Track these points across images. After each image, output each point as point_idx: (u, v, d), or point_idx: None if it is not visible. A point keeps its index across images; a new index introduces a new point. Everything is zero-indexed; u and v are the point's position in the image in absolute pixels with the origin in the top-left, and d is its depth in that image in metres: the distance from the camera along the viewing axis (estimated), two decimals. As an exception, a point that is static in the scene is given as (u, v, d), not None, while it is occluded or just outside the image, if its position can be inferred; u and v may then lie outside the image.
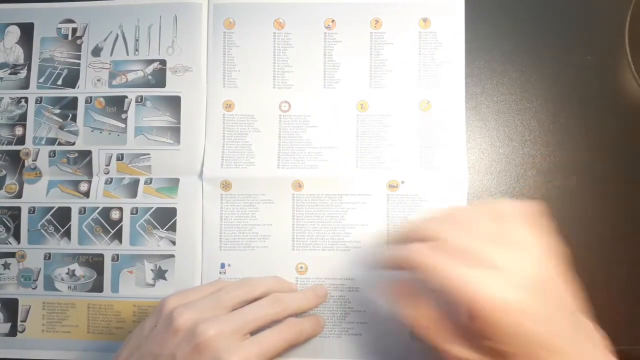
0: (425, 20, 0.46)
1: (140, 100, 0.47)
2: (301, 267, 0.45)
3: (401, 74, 0.46)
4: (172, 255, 0.45)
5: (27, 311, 0.46)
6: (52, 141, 0.47)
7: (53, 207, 0.46)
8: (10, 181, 0.47)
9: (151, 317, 0.38)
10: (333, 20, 0.46)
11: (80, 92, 0.47)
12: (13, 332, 0.46)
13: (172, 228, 0.45)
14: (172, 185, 0.46)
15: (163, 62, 0.47)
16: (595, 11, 0.47)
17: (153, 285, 0.45)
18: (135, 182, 0.46)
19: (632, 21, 0.44)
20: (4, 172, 0.47)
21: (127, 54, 0.47)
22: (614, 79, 0.46)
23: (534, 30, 0.47)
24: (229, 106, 0.46)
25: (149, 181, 0.46)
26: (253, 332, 0.37)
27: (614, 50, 0.45)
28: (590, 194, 0.44)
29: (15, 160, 0.47)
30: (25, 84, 0.48)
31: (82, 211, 0.46)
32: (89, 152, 0.47)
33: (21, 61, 0.48)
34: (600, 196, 0.44)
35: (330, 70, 0.46)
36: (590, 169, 0.45)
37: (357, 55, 0.46)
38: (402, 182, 0.45)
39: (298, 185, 0.45)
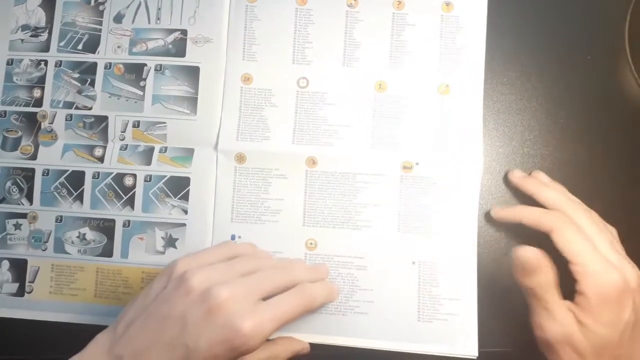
0: (448, 4, 0.46)
1: (160, 68, 0.47)
2: (311, 243, 0.45)
3: (421, 57, 0.46)
4: (184, 224, 0.45)
5: (36, 272, 0.46)
6: (69, 105, 0.47)
7: (67, 171, 0.47)
8: (26, 142, 0.47)
9: (160, 278, 0.37)
10: None
11: (100, 57, 0.47)
12: (21, 292, 0.46)
13: (185, 197, 0.45)
14: (187, 155, 0.46)
15: (184, 32, 0.47)
16: (595, 11, 0.47)
17: (163, 252, 0.45)
18: (150, 150, 0.46)
19: (632, 21, 0.44)
20: (20, 133, 0.47)
21: (149, 22, 0.47)
22: (614, 79, 0.46)
23: (534, 30, 0.47)
24: (247, 79, 0.47)
25: (163, 150, 0.46)
26: (266, 298, 0.37)
27: (614, 50, 0.46)
28: (590, 193, 0.44)
29: (32, 122, 0.47)
30: (45, 47, 0.48)
31: (96, 176, 0.46)
32: (105, 118, 0.47)
33: (43, 24, 0.48)
34: (600, 196, 0.44)
35: (350, 48, 0.46)
36: (590, 169, 0.45)
37: (377, 35, 0.46)
38: (417, 164, 0.45)
39: (312, 161, 0.45)
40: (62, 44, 0.48)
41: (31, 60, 0.48)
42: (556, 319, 0.36)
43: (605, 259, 0.36)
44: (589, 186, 0.45)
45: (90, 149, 0.47)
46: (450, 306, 0.44)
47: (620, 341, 0.35)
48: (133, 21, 0.47)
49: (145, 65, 0.47)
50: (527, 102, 0.46)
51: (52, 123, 0.47)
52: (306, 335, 0.43)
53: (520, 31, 0.47)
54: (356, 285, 0.44)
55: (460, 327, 0.43)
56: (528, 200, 0.43)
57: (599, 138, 0.46)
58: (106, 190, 0.46)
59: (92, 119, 0.47)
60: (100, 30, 0.48)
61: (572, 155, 0.46)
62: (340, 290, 0.44)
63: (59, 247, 0.46)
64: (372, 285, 0.44)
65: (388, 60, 0.46)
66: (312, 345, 0.43)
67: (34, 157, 0.47)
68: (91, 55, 0.47)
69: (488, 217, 0.45)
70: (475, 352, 0.43)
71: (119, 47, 0.47)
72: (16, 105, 0.47)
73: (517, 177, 0.44)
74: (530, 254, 0.36)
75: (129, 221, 0.46)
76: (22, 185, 0.47)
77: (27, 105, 0.47)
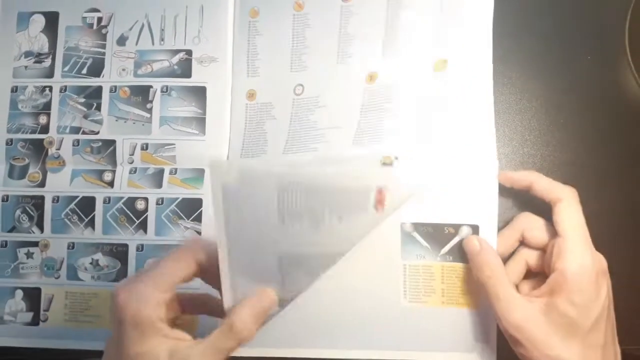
0: None
1: (166, 90, 0.46)
2: None
3: (417, 39, 0.44)
4: (197, 246, 0.45)
5: (50, 300, 0.46)
6: (76, 130, 0.47)
7: (77, 197, 0.46)
8: (34, 170, 0.47)
9: None
10: None
11: (105, 81, 0.47)
12: (35, 321, 0.46)
13: (198, 219, 0.45)
14: (198, 175, 0.46)
15: (189, 52, 0.47)
16: (595, 11, 0.47)
17: (178, 275, 0.45)
18: (160, 172, 0.46)
19: (632, 21, 0.44)
20: (27, 160, 0.47)
21: (153, 44, 0.47)
22: (614, 79, 0.46)
23: (534, 30, 0.47)
24: (251, 95, 0.46)
25: (174, 171, 0.46)
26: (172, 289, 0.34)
27: (614, 50, 0.45)
28: (590, 193, 0.44)
29: (39, 149, 0.47)
30: (49, 73, 0.47)
31: (107, 201, 0.46)
32: (113, 142, 0.47)
33: (46, 50, 0.48)
34: (600, 196, 0.44)
35: (345, 44, 0.45)
36: (590, 169, 0.45)
37: (371, 24, 0.45)
38: (396, 159, 0.43)
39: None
40: (66, 69, 0.47)
41: (36, 87, 0.47)
42: (513, 308, 0.35)
43: (590, 245, 0.36)
44: (589, 186, 0.45)
45: (99, 173, 0.46)
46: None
47: (592, 326, 0.34)
48: (137, 43, 0.47)
49: (151, 87, 0.47)
50: (527, 102, 0.46)
51: (59, 149, 0.47)
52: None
53: (520, 31, 0.46)
54: None
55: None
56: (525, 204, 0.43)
57: (599, 138, 0.46)
58: (118, 215, 0.46)
59: (100, 144, 0.47)
60: (104, 53, 0.47)
61: (572, 155, 0.46)
62: None
63: (72, 274, 0.46)
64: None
65: (381, 50, 0.45)
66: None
67: (42, 184, 0.47)
68: (96, 79, 0.47)
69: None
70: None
71: (123, 69, 0.47)
72: (22, 133, 0.47)
73: (507, 176, 0.41)
74: (473, 241, 0.37)
75: (142, 245, 0.45)
76: (32, 213, 0.46)
77: (33, 132, 0.47)
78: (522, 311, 0.35)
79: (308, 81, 0.46)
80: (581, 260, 0.35)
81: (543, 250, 0.39)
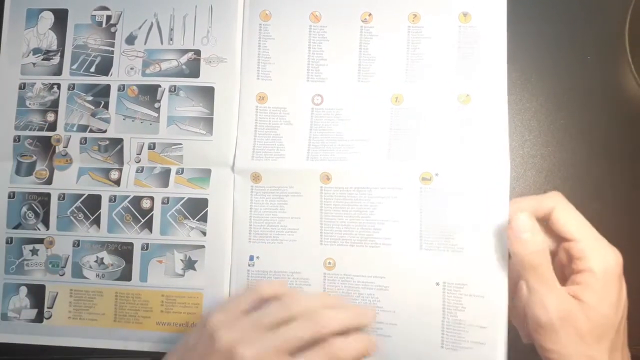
0: (465, 14, 0.45)
1: (174, 89, 0.47)
2: (329, 263, 0.45)
3: (438, 68, 0.45)
4: (203, 246, 0.45)
5: (54, 298, 0.46)
6: (83, 128, 0.47)
7: (83, 195, 0.46)
8: (41, 167, 0.47)
9: (194, 332, 0.38)
10: (370, 14, 0.46)
11: (113, 79, 0.47)
12: (39, 318, 0.46)
13: (203, 219, 0.45)
14: (204, 176, 0.46)
15: (197, 52, 0.47)
16: (595, 11, 0.47)
17: (182, 275, 0.45)
18: (167, 172, 0.46)
19: (632, 21, 0.44)
20: (34, 157, 0.47)
21: (162, 43, 0.47)
22: (614, 79, 0.46)
23: (534, 30, 0.46)
24: (262, 98, 0.46)
25: (180, 171, 0.46)
26: (294, 353, 0.35)
27: (614, 50, 0.45)
28: (590, 193, 0.44)
29: (46, 147, 0.47)
30: (58, 70, 0.47)
31: (113, 199, 0.46)
32: (120, 140, 0.47)
33: (54, 47, 0.48)
34: (600, 196, 0.44)
35: (366, 63, 0.46)
36: (590, 169, 0.45)
37: (393, 49, 0.46)
38: (437, 175, 0.43)
39: (326, 177, 0.45)
40: (74, 66, 0.47)
41: (44, 84, 0.47)
42: (560, 296, 0.34)
43: (602, 238, 0.36)
44: (589, 186, 0.45)
45: (106, 172, 0.47)
46: (477, 334, 0.41)
47: (619, 324, 0.34)
48: (145, 42, 0.47)
49: (159, 86, 0.47)
50: (527, 102, 0.46)
51: (66, 147, 0.47)
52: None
53: (520, 32, 0.46)
54: (378, 307, 0.43)
55: (487, 358, 0.40)
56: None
57: (599, 138, 0.46)
58: (123, 213, 0.46)
59: (107, 142, 0.47)
60: (112, 52, 0.47)
61: (572, 155, 0.46)
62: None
63: (77, 272, 0.46)
64: (395, 306, 0.43)
65: (404, 74, 0.45)
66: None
67: (49, 181, 0.47)
68: (104, 77, 0.47)
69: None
70: None
71: (132, 68, 0.47)
72: (30, 130, 0.47)
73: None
74: (523, 219, 0.36)
75: (147, 244, 0.45)
76: (38, 211, 0.47)
77: (40, 129, 0.47)
78: (567, 302, 0.34)
79: (327, 93, 0.46)
80: (605, 257, 0.35)
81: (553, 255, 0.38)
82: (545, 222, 0.38)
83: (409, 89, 0.45)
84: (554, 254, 0.38)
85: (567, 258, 0.36)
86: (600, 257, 0.35)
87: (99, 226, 0.46)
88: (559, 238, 0.37)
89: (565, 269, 0.37)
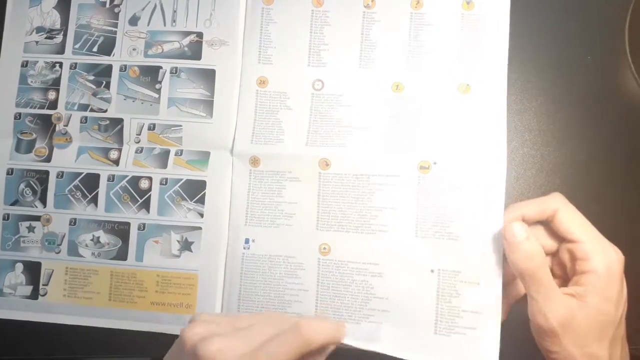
0: (469, 2, 0.45)
1: (175, 71, 0.47)
2: (324, 248, 0.45)
3: (440, 56, 0.45)
4: (199, 228, 0.45)
5: (50, 275, 0.46)
6: (84, 107, 0.47)
7: (82, 173, 0.46)
8: (40, 145, 0.47)
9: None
10: (373, 0, 0.46)
11: (115, 60, 0.47)
12: (34, 295, 0.46)
13: (201, 201, 0.45)
14: (203, 158, 0.46)
15: (200, 35, 0.47)
16: (595, 11, 0.47)
17: (178, 256, 0.45)
18: (166, 153, 0.46)
19: (632, 21, 0.44)
20: (34, 135, 0.47)
21: (164, 25, 0.47)
22: (614, 79, 0.46)
23: (534, 30, 0.47)
24: (262, 82, 0.46)
25: (179, 153, 0.46)
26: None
27: (614, 50, 0.45)
28: (589, 193, 0.44)
29: (47, 125, 0.47)
30: (60, 49, 0.48)
31: (111, 178, 0.46)
32: (120, 120, 0.47)
33: (57, 26, 0.48)
34: (600, 196, 0.44)
35: (367, 49, 0.46)
36: (590, 169, 0.45)
37: (395, 35, 0.46)
38: (435, 164, 0.44)
39: (325, 163, 0.45)
40: (77, 46, 0.48)
41: (46, 63, 0.48)
42: (559, 302, 0.35)
43: (603, 237, 0.36)
44: (589, 186, 0.45)
45: (106, 151, 0.47)
46: (470, 319, 0.41)
47: (620, 321, 0.35)
48: (148, 23, 0.47)
49: (161, 67, 0.47)
50: (527, 102, 0.46)
51: (67, 125, 0.47)
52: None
53: (520, 32, 0.46)
54: (371, 293, 0.43)
55: (480, 343, 0.41)
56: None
57: (599, 138, 0.46)
58: (121, 193, 0.46)
59: (107, 122, 0.47)
60: (115, 32, 0.47)
61: (572, 155, 0.46)
62: (354, 297, 0.43)
63: (73, 250, 0.46)
64: (388, 293, 0.43)
65: (405, 62, 0.45)
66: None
67: (48, 159, 0.47)
68: (106, 57, 0.47)
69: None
70: None
71: (134, 49, 0.47)
72: (31, 108, 0.47)
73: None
74: (518, 228, 0.36)
75: (144, 224, 0.46)
76: (36, 188, 0.47)
77: (41, 107, 0.47)
78: (566, 306, 0.35)
79: (328, 78, 0.46)
80: (608, 257, 0.35)
81: (555, 256, 0.39)
82: (548, 223, 0.38)
83: (409, 77, 0.45)
84: (555, 254, 0.38)
85: (570, 258, 0.37)
86: (603, 258, 0.35)
87: (96, 205, 0.46)
88: (561, 238, 0.38)
89: (567, 269, 0.37)
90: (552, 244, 0.39)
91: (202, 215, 0.45)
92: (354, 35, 0.46)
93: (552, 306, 0.35)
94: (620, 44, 0.45)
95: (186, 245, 0.45)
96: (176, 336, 0.33)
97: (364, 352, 0.41)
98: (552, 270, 0.39)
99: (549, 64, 0.46)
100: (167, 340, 0.34)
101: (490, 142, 0.43)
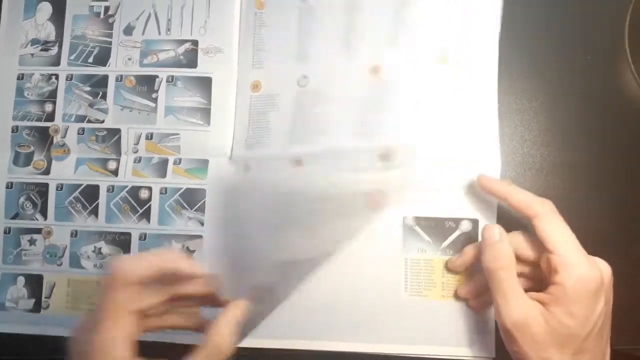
0: None
1: (171, 80, 0.47)
2: None
3: (423, 32, 0.44)
4: (200, 236, 0.45)
5: (52, 288, 0.46)
6: (81, 118, 0.47)
7: (81, 185, 0.46)
8: (39, 157, 0.47)
9: None
10: None
11: (111, 70, 0.47)
12: (37, 308, 0.46)
13: (201, 209, 0.45)
14: (202, 166, 0.46)
15: (195, 43, 0.47)
16: (595, 11, 0.46)
17: (180, 265, 0.45)
18: (164, 162, 0.46)
19: (632, 21, 0.44)
20: (32, 148, 0.47)
21: (159, 34, 0.47)
22: (614, 79, 0.46)
23: (534, 30, 0.46)
24: (256, 86, 0.46)
25: (178, 161, 0.46)
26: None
27: (614, 50, 0.45)
28: (589, 194, 0.44)
29: (44, 137, 0.47)
30: (56, 61, 0.48)
31: (111, 189, 0.46)
32: (118, 131, 0.47)
33: (52, 38, 0.48)
34: (600, 196, 0.44)
35: (350, 37, 0.45)
36: (590, 169, 0.45)
37: (379, 15, 0.44)
38: (395, 153, 0.43)
39: (299, 163, 0.44)
40: (72, 57, 0.47)
41: (42, 75, 0.47)
42: (515, 304, 0.35)
43: (584, 254, 0.36)
44: (589, 186, 0.45)
45: (104, 162, 0.47)
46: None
47: (588, 335, 0.35)
48: (143, 33, 0.47)
49: (157, 76, 0.47)
50: (527, 102, 0.46)
51: (64, 137, 0.47)
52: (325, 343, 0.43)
53: (520, 31, 0.46)
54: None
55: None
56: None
57: (599, 138, 0.46)
58: (121, 203, 0.46)
59: (105, 132, 0.47)
60: (110, 42, 0.47)
61: (572, 155, 0.45)
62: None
63: (75, 262, 0.46)
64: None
65: (387, 41, 0.44)
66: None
67: (47, 171, 0.47)
68: (102, 68, 0.47)
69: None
70: (492, 353, 0.42)
71: (129, 59, 0.47)
72: (28, 120, 0.47)
73: (486, 180, 0.42)
74: (494, 230, 0.37)
75: (145, 234, 0.46)
76: (36, 201, 0.47)
77: (38, 119, 0.47)
78: (525, 309, 0.35)
79: (312, 73, 0.45)
80: (578, 273, 0.35)
81: (536, 264, 0.39)
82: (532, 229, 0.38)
83: (389, 57, 0.44)
84: (537, 261, 0.38)
85: (547, 268, 0.37)
86: (573, 273, 0.35)
87: (96, 216, 0.46)
88: (543, 247, 0.38)
89: (544, 276, 0.37)
90: (532, 252, 0.39)
91: (202, 224, 0.45)
92: (338, 23, 0.45)
93: (509, 307, 0.35)
94: (620, 44, 0.45)
95: (187, 254, 0.45)
96: (180, 345, 0.33)
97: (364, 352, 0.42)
98: (533, 275, 0.39)
99: (549, 64, 0.46)
100: (169, 350, 0.34)
101: (480, 114, 0.43)
